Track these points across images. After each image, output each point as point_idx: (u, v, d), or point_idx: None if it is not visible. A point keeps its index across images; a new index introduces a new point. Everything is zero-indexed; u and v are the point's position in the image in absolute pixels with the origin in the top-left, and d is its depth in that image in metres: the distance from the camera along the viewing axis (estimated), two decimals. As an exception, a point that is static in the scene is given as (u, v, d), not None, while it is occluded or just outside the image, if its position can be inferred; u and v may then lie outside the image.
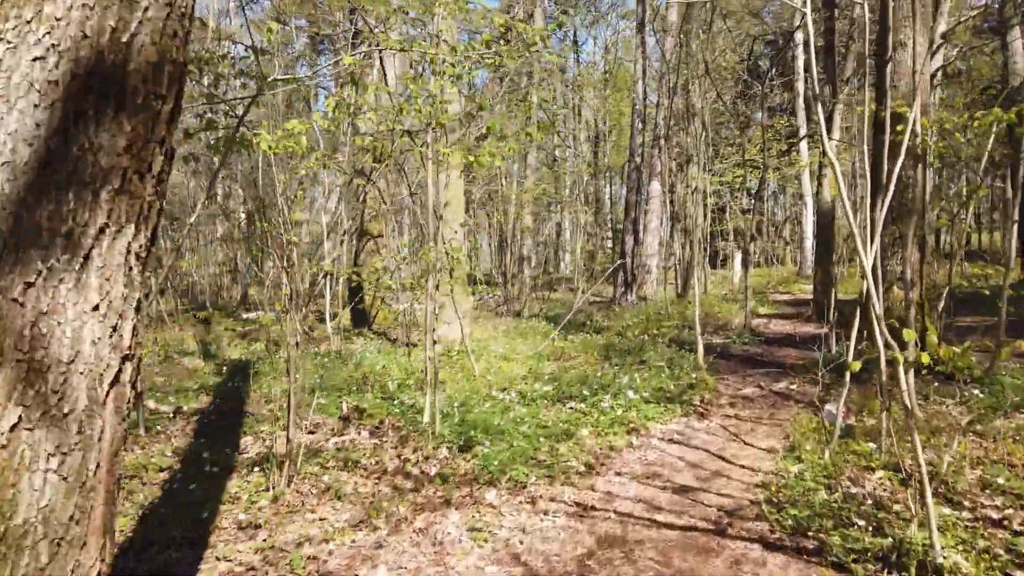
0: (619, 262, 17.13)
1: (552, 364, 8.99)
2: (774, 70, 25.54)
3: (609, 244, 30.90)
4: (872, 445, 4.91)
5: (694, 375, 7.36)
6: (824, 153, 12.98)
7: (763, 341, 10.88)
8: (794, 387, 7.20)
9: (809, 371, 7.80)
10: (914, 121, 4.94)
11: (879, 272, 4.90)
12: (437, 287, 6.71)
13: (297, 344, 4.80)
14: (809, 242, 22.52)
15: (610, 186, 29.32)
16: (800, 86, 21.55)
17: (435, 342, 6.14)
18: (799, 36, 21.06)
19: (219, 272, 22.93)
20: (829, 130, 13.06)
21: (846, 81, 12.88)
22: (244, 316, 16.83)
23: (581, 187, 29.89)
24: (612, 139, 31.11)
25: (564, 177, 30.56)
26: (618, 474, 4.88)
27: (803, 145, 21.56)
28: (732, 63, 20.44)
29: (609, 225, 29.51)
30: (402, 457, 5.21)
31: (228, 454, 5.31)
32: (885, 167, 4.65)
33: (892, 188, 4.20)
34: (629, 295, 17.90)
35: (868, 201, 6.31)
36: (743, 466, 4.94)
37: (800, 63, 21.85)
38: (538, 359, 9.21)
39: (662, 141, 17.70)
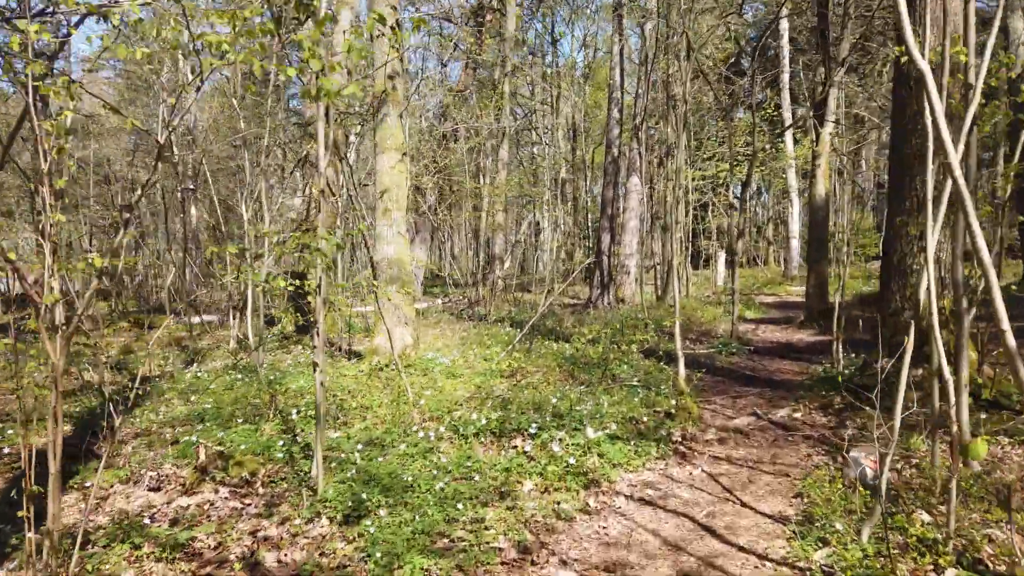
0: (588, 261, 15.58)
1: (507, 381, 7.43)
2: (756, 64, 24.19)
3: (589, 243, 29.41)
4: (926, 517, 3.40)
5: (674, 400, 5.82)
6: (816, 140, 11.54)
7: (753, 351, 9.39)
8: (798, 415, 5.68)
9: (814, 391, 6.29)
10: (965, 70, 3.45)
11: (930, 270, 3.40)
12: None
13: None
14: (795, 241, 21.16)
15: (587, 181, 27.81)
16: (785, 77, 20.18)
17: (324, 368, 4.55)
18: (784, 24, 19.69)
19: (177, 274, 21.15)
20: (823, 115, 11.63)
21: (842, 63, 11.45)
22: (191, 321, 15.14)
23: (558, 184, 28.41)
24: (593, 137, 29.64)
25: (540, 172, 29.04)
26: (564, 563, 3.32)
27: (788, 139, 20.17)
28: (716, 51, 19.00)
29: (588, 223, 28.03)
30: (260, 535, 3.61)
31: None
32: (932, 131, 3.12)
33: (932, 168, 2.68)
34: (606, 297, 16.38)
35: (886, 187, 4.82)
36: (743, 548, 3.39)
37: (785, 52, 20.46)
38: (491, 375, 7.64)
39: (640, 132, 16.21)
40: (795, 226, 21.19)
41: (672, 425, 5.31)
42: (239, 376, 8.00)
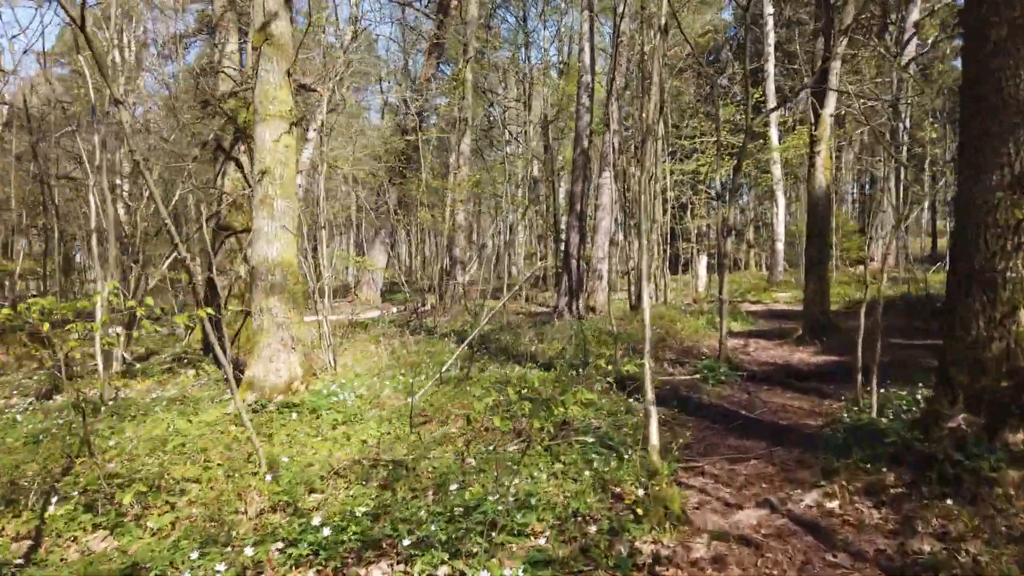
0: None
1: (420, 431, 5.31)
2: (735, 59, 22.39)
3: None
4: None
5: (643, 484, 3.70)
6: (815, 123, 9.62)
7: (746, 377, 7.34)
8: (834, 505, 3.59)
9: (849, 456, 4.23)
10: None
11: None
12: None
13: None
14: (780, 244, 19.27)
15: (556, 178, 25.76)
16: (770, 67, 18.27)
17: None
18: (768, 8, 17.80)
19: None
20: (823, 93, 9.66)
21: (845, 31, 9.50)
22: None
23: (531, 183, 26.35)
24: (567, 133, 27.61)
25: (513, 171, 26.97)
26: None
27: (773, 133, 18.27)
28: (695, 24, 17.03)
29: (557, 224, 25.97)
30: None
31: None
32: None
33: None
34: (574, 306, 14.30)
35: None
36: None
37: (770, 39, 18.56)
38: (401, 419, 5.51)
39: (611, 120, 14.18)
40: (780, 228, 19.30)
41: (638, 532, 3.21)
42: (64, 420, 5.80)
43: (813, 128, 9.89)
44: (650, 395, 3.81)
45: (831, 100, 9.64)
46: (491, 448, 4.65)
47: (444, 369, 6.79)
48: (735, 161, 10.31)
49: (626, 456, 4.26)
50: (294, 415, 5.66)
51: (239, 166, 9.72)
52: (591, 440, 4.64)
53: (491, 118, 29.86)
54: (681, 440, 4.94)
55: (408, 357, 9.03)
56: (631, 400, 6.15)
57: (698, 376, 7.34)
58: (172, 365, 9.17)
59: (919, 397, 5.57)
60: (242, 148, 9.03)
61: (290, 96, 6.27)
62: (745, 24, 7.71)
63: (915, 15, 18.40)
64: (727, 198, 7.53)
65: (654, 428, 3.75)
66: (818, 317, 9.23)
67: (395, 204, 21.20)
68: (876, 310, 5.14)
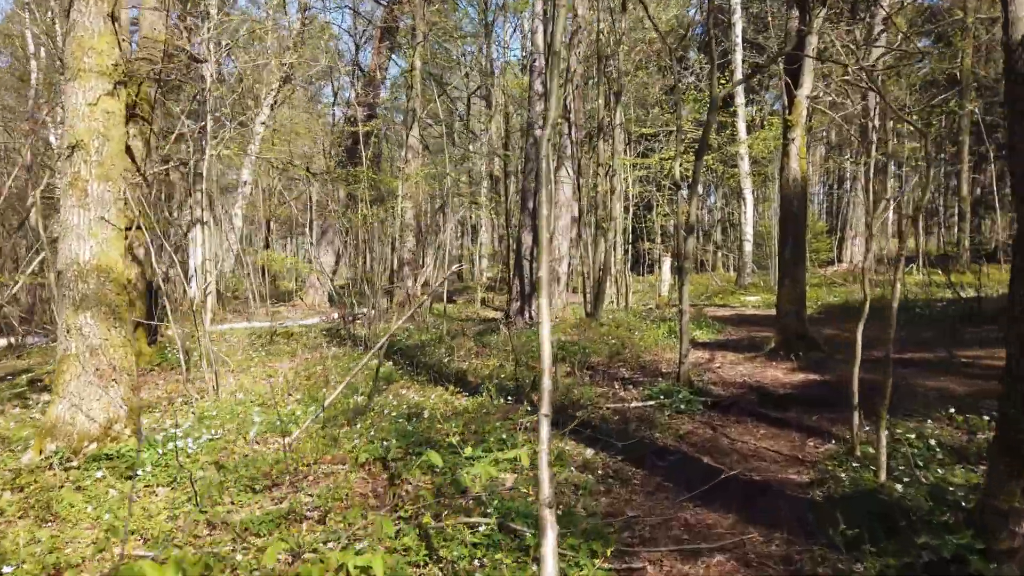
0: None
1: (257, 500, 3.79)
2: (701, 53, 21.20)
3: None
4: None
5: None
6: (789, 107, 8.37)
7: (711, 404, 5.94)
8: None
9: (862, 559, 2.81)
10: None
11: None
12: None
13: None
14: (748, 245, 18.08)
15: (516, 176, 24.32)
16: (738, 57, 17.05)
17: None
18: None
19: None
20: (798, 72, 8.36)
21: (824, 1, 8.22)
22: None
23: (485, 179, 24.90)
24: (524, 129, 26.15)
25: (474, 169, 25.49)
26: None
27: (741, 126, 17.06)
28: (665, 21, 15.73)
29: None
30: None
31: None
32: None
33: None
34: (527, 312, 12.86)
35: None
36: None
37: (738, 29, 17.34)
38: (237, 483, 3.97)
39: (571, 104, 12.78)
40: (748, 228, 18.12)
41: None
42: None
43: (787, 112, 8.59)
44: (547, 495, 2.30)
45: (807, 79, 8.33)
46: (343, 538, 3.14)
47: (327, 403, 5.24)
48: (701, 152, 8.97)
49: (532, 549, 2.81)
50: (101, 473, 4.09)
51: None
52: (488, 523, 3.17)
53: (456, 113, 28.32)
54: (620, 517, 3.50)
55: (314, 378, 7.48)
56: (567, 441, 4.71)
57: (653, 401, 5.93)
58: (25, 388, 7.47)
59: (932, 443, 4.22)
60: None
61: (115, 47, 4.68)
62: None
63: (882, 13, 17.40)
64: (689, 190, 6.11)
65: (551, 563, 2.26)
66: (793, 328, 7.90)
67: (345, 201, 19.53)
68: (888, 332, 3.75)
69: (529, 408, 5.60)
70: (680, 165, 8.48)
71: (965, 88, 17.86)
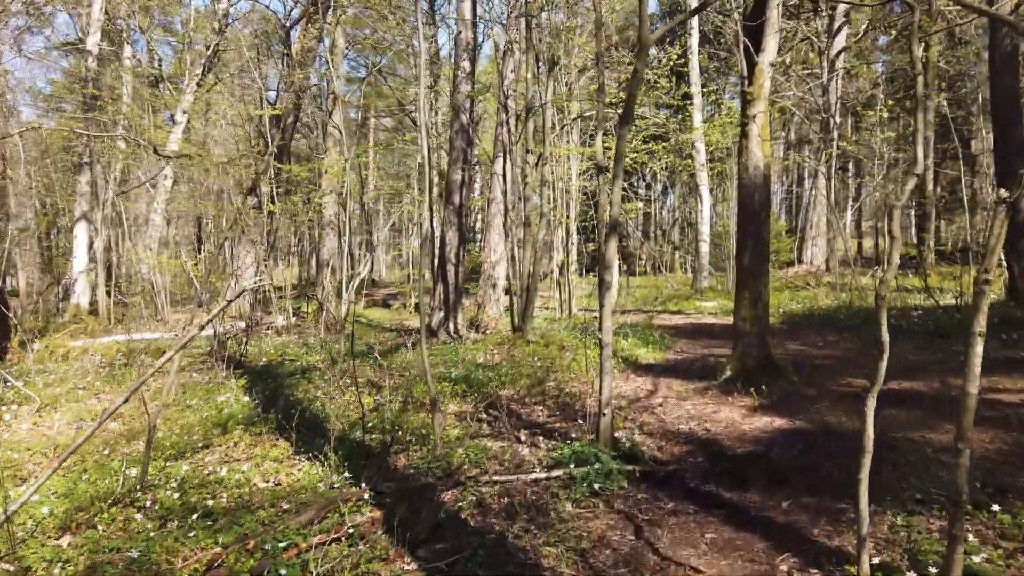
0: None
1: None
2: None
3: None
4: None
5: None
6: (749, 79, 6.73)
7: (641, 476, 4.13)
8: None
9: None
10: None
11: None
12: None
13: None
14: (705, 246, 16.49)
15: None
16: (693, 41, 15.44)
17: None
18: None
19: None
20: (759, 37, 6.65)
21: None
22: None
23: (427, 173, 22.85)
24: (485, 130, 24.24)
25: (413, 165, 23.44)
26: None
27: (697, 116, 15.43)
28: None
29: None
30: None
31: None
32: None
33: None
34: (451, 323, 10.97)
35: None
36: None
37: (694, 20, 15.72)
38: None
39: (506, 85, 10.92)
40: (705, 227, 16.54)
41: None
42: None
43: (746, 83, 6.87)
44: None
45: (771, 42, 6.62)
46: None
47: (22, 499, 3.24)
48: (626, 118, 7.15)
49: None
50: None
51: None
52: None
53: (404, 105, 26.26)
54: None
55: (141, 420, 5.46)
56: (415, 557, 2.85)
57: (560, 475, 4.08)
58: None
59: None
60: None
61: None
62: None
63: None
64: (613, 173, 4.28)
65: None
66: (754, 354, 6.16)
67: (271, 194, 17.31)
68: (876, 376, 1.95)
69: (372, 495, 3.70)
70: (603, 144, 6.64)
71: (929, 82, 16.59)
